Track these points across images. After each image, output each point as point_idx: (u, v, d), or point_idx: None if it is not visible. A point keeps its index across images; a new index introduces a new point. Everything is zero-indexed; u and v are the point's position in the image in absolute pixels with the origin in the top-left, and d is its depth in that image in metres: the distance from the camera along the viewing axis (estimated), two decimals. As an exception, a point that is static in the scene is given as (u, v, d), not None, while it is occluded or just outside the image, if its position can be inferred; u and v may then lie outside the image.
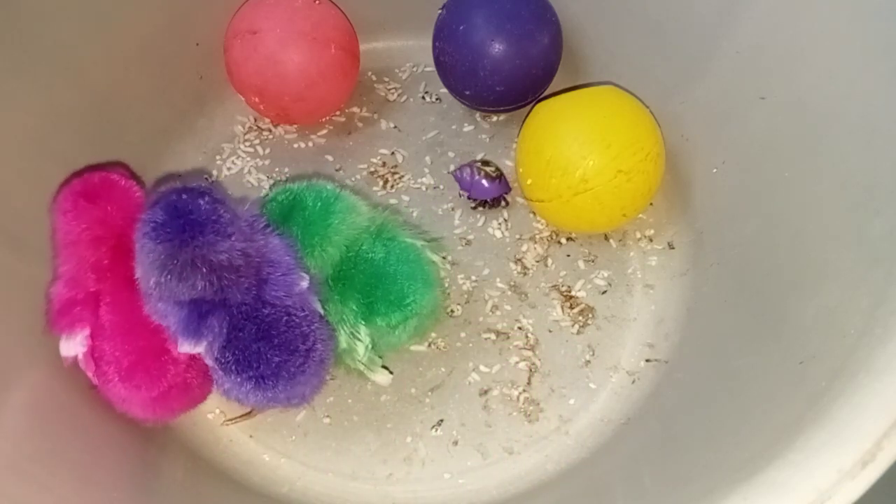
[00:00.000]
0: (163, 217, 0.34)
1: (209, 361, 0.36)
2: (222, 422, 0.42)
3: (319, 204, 0.40)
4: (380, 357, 0.41)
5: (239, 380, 0.36)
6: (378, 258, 0.40)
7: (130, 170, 0.45)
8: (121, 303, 0.36)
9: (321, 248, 0.39)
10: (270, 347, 0.36)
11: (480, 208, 0.48)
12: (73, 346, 0.36)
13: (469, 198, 0.48)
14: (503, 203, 0.48)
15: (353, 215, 0.40)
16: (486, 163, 0.48)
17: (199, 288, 0.34)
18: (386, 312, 0.39)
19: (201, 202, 0.34)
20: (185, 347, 0.35)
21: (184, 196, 0.35)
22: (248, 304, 0.36)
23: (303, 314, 0.37)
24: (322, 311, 0.38)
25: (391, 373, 0.42)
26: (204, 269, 0.34)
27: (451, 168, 0.50)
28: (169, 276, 0.34)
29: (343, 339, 0.39)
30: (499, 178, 0.47)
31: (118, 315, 0.36)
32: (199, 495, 0.39)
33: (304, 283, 0.37)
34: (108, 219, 0.37)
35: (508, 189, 0.48)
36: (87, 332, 0.36)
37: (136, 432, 0.38)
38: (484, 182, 0.47)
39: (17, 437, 0.32)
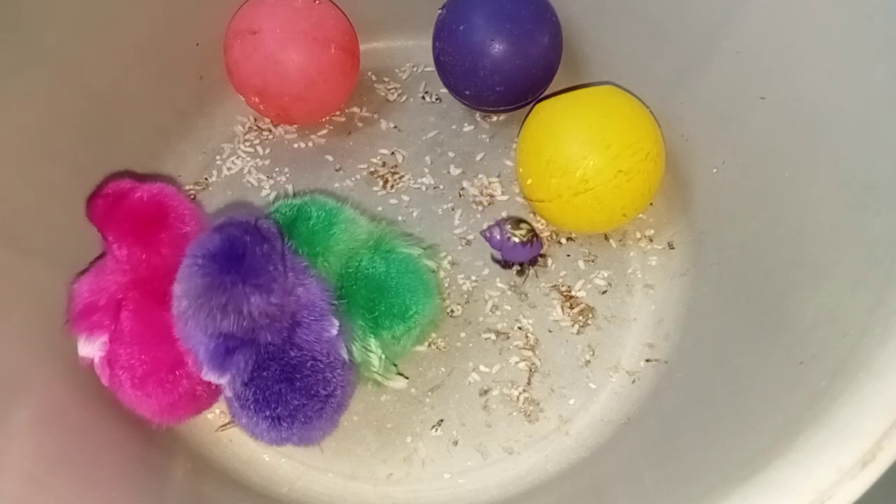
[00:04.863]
0: (215, 250, 0.33)
1: (228, 394, 0.36)
2: (216, 429, 0.42)
3: (323, 215, 0.40)
4: (394, 365, 0.41)
5: (256, 418, 0.36)
6: (379, 272, 0.40)
7: (168, 178, 0.45)
8: (144, 312, 0.36)
9: (324, 257, 0.39)
10: (291, 390, 0.35)
11: (515, 269, 0.46)
12: (91, 349, 0.36)
13: (497, 260, 0.46)
14: (539, 263, 0.46)
15: (354, 227, 0.41)
16: (517, 223, 0.45)
17: (225, 328, 0.34)
18: (390, 325, 0.39)
19: (258, 250, 0.34)
20: (210, 377, 0.35)
21: (247, 238, 0.34)
22: (276, 346, 0.35)
23: (327, 360, 0.36)
24: (347, 358, 0.37)
25: (406, 378, 0.42)
26: (233, 315, 0.33)
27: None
28: (199, 309, 0.33)
29: (356, 353, 0.39)
30: (531, 240, 0.44)
31: (139, 324, 0.36)
32: (200, 495, 0.39)
33: (334, 330, 0.36)
34: (172, 243, 0.37)
35: (541, 246, 0.45)
36: (105, 338, 0.36)
37: (138, 433, 0.38)
38: (517, 247, 0.44)
39: (21, 438, 0.32)
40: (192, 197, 0.49)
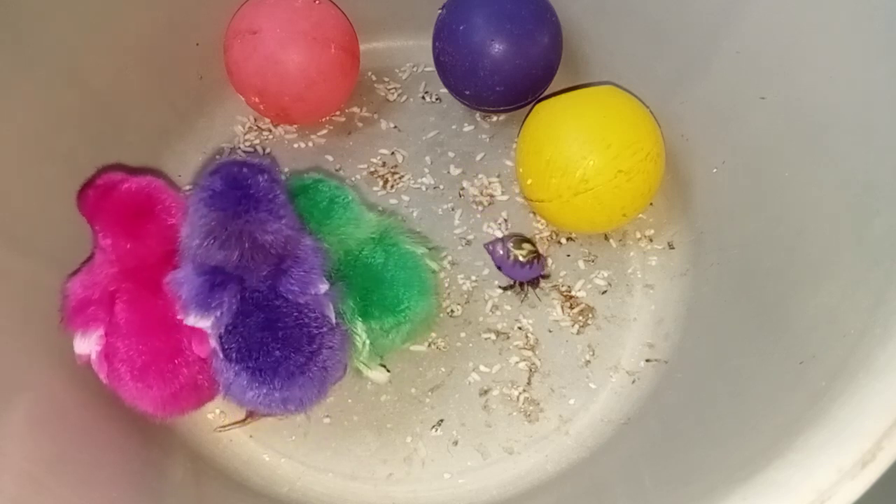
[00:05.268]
0: (221, 186, 0.35)
1: (213, 342, 0.36)
2: (215, 428, 0.42)
3: (327, 194, 0.40)
4: (379, 356, 0.41)
5: (237, 368, 0.35)
6: (377, 263, 0.40)
7: (157, 171, 0.46)
8: (138, 302, 0.36)
9: (321, 237, 0.39)
10: (273, 339, 0.35)
11: (511, 290, 0.45)
12: (88, 344, 0.36)
13: (499, 268, 0.45)
14: (539, 286, 0.45)
15: (350, 227, 0.40)
16: (520, 243, 0.45)
17: (234, 259, 0.35)
18: (380, 316, 0.39)
19: (260, 178, 0.36)
20: (191, 319, 0.35)
21: (244, 169, 0.36)
22: (261, 293, 0.36)
23: (314, 315, 0.36)
24: (334, 322, 0.37)
25: (388, 371, 0.42)
26: (247, 245, 0.35)
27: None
28: (213, 242, 0.35)
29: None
30: (531, 262, 0.44)
31: (134, 314, 0.36)
32: (200, 495, 0.39)
33: (323, 287, 0.37)
34: (158, 235, 0.37)
35: (544, 269, 0.45)
36: (101, 331, 0.36)
37: (137, 433, 0.38)
38: (517, 265, 0.44)
39: (20, 438, 0.32)
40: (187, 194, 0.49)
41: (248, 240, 0.35)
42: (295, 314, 0.36)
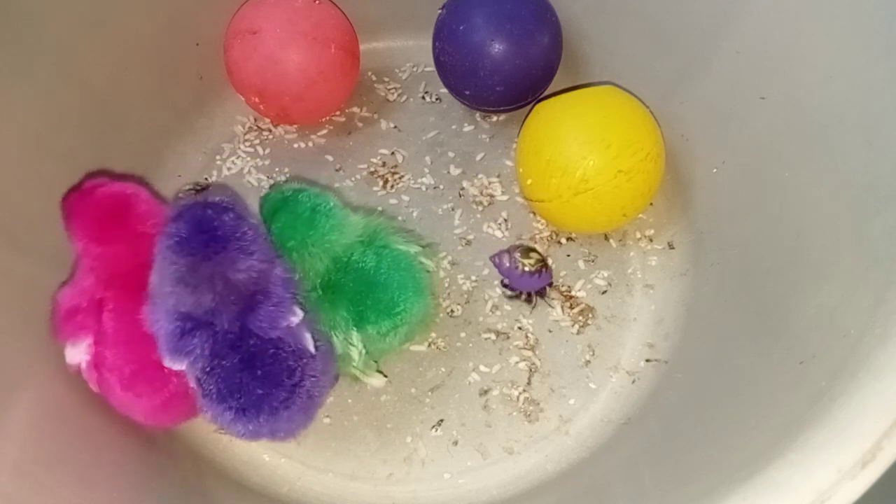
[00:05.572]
0: (187, 231, 0.34)
1: (192, 383, 0.36)
2: (216, 428, 0.41)
3: (307, 214, 0.40)
4: (375, 362, 0.41)
5: (220, 409, 0.35)
6: (369, 267, 0.39)
7: (141, 178, 0.46)
8: (125, 311, 0.36)
9: (306, 248, 0.39)
10: (253, 379, 0.35)
11: (517, 300, 0.45)
12: (78, 353, 0.36)
13: (504, 286, 0.45)
14: (546, 294, 0.45)
15: (336, 234, 0.40)
16: (527, 252, 0.44)
17: (207, 302, 0.34)
18: (376, 321, 0.39)
19: (226, 218, 0.35)
20: (168, 363, 0.35)
21: (209, 211, 0.35)
22: (234, 333, 0.35)
23: (290, 349, 0.36)
24: (313, 351, 0.36)
25: (385, 376, 0.42)
26: (219, 286, 0.34)
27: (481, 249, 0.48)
28: (185, 288, 0.34)
29: (338, 345, 0.39)
30: (539, 271, 0.43)
31: (122, 323, 0.36)
32: (200, 495, 0.39)
33: (295, 319, 0.36)
34: (129, 242, 0.37)
35: (550, 277, 0.44)
36: (90, 340, 0.36)
37: (137, 433, 0.38)
38: (524, 276, 0.43)
39: (19, 438, 0.32)
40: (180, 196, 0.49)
41: (220, 281, 0.34)
42: (271, 350, 0.35)
